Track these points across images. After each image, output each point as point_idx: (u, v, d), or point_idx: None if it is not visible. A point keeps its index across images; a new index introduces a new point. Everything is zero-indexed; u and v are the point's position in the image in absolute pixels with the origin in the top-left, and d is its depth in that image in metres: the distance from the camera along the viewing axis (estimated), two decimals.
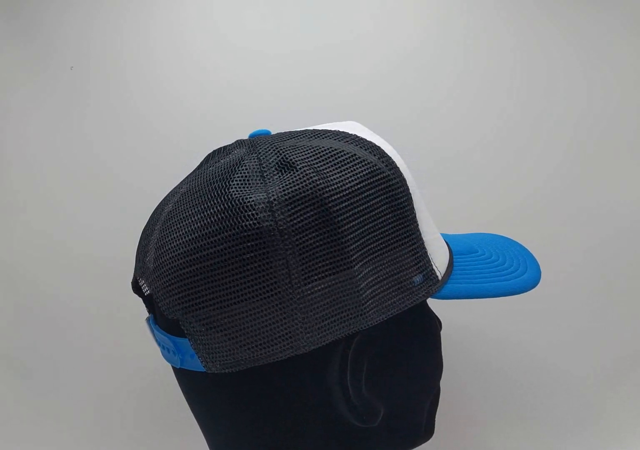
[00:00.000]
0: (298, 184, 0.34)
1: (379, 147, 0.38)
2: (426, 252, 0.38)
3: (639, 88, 0.81)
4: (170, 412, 0.84)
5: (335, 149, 0.37)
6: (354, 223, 0.35)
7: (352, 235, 0.34)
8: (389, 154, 0.38)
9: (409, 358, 0.42)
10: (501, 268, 0.42)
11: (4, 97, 0.86)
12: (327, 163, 0.36)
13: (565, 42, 0.81)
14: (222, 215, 0.34)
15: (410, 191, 0.37)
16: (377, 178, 0.36)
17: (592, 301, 0.82)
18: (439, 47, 0.82)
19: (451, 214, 0.78)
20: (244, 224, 0.33)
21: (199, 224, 0.35)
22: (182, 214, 0.37)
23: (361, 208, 0.35)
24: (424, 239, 0.38)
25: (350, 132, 0.39)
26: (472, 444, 0.83)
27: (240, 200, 0.34)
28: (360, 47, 0.82)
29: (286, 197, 0.34)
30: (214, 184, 0.37)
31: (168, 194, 0.43)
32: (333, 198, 0.34)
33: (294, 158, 0.36)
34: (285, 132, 0.41)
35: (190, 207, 0.36)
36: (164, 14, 0.84)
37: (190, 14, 0.84)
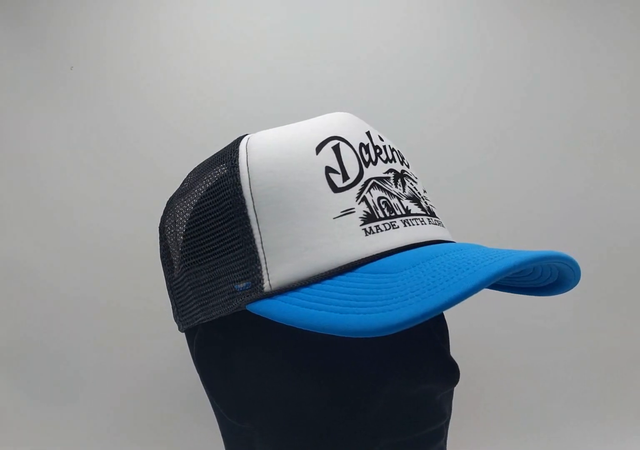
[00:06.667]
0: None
1: (232, 153, 0.36)
2: (257, 259, 0.34)
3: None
4: (178, 413, 0.83)
5: (206, 161, 0.40)
6: (189, 227, 0.38)
7: (188, 239, 0.38)
8: (243, 160, 0.35)
9: (261, 372, 0.37)
10: (379, 297, 0.30)
11: (4, 97, 0.86)
12: (195, 174, 0.40)
13: (570, 38, 0.82)
14: None
15: (250, 194, 0.34)
16: (209, 186, 0.37)
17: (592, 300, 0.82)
18: (441, 46, 0.82)
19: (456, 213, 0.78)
20: None
21: None
22: None
23: (196, 214, 0.38)
24: (260, 244, 0.34)
25: (232, 142, 0.38)
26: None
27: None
28: (361, 44, 0.82)
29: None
30: None
31: None
32: (183, 208, 0.39)
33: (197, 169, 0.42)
34: None
35: None
36: (164, 14, 0.84)
37: (190, 13, 0.84)
